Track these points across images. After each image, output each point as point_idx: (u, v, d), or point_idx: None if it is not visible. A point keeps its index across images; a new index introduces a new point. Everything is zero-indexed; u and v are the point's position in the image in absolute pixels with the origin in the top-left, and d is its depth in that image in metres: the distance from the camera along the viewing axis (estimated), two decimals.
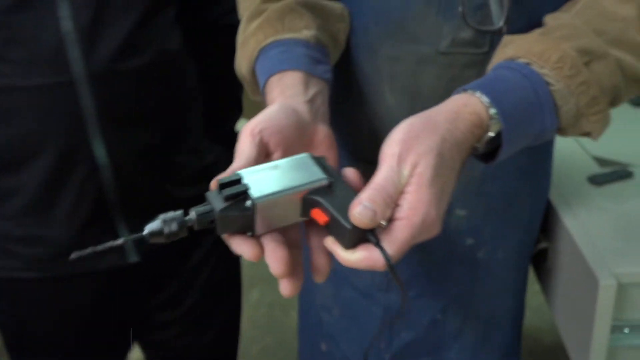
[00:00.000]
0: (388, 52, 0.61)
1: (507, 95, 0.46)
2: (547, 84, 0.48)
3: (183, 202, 0.82)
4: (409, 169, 0.41)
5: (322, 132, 0.48)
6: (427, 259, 0.70)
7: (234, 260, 1.05)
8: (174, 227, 0.39)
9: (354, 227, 0.39)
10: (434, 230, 0.42)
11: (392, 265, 0.40)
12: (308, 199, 0.42)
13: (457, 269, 0.71)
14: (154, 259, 0.86)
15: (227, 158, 0.92)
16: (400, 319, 0.47)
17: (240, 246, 0.40)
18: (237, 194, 0.40)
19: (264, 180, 0.41)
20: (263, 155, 0.44)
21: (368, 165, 0.64)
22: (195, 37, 0.88)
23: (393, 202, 0.40)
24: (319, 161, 0.44)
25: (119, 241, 0.40)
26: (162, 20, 0.78)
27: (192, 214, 0.40)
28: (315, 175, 0.42)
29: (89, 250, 0.40)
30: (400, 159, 0.41)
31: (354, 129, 0.68)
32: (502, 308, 0.75)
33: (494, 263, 0.71)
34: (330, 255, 0.42)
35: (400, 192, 0.41)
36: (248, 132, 0.44)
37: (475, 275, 0.72)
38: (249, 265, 2.39)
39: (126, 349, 1.00)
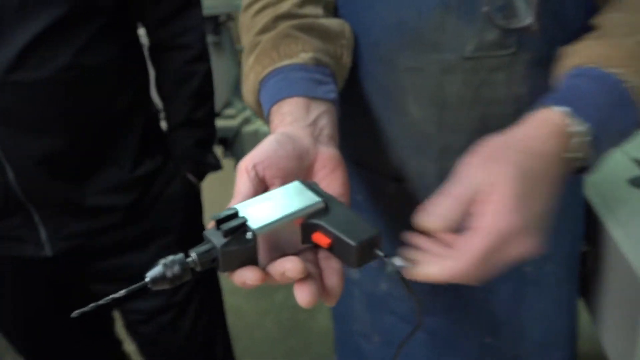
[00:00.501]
0: (408, 63, 0.57)
1: (586, 101, 0.45)
2: (622, 82, 0.46)
3: (103, 210, 0.86)
4: (485, 176, 0.40)
5: (326, 155, 0.46)
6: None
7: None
8: (176, 270, 0.38)
9: (360, 244, 0.39)
10: (525, 243, 0.39)
11: (407, 281, 0.40)
12: (307, 225, 0.41)
13: (503, 287, 0.65)
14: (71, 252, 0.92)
15: (164, 169, 0.97)
16: (416, 329, 0.44)
17: (243, 273, 0.39)
18: (236, 227, 0.39)
19: (260, 211, 0.40)
20: (261, 190, 0.43)
21: (394, 182, 0.62)
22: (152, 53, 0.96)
23: (462, 208, 0.39)
24: (311, 186, 0.43)
25: (122, 292, 0.39)
26: (72, 34, 0.80)
27: (193, 254, 0.39)
28: (310, 199, 0.42)
29: (122, 292, 0.39)
30: (476, 167, 0.40)
31: (376, 145, 0.64)
32: (558, 326, 0.68)
33: (544, 278, 0.65)
34: (342, 277, 0.41)
35: (474, 201, 0.39)
36: (242, 169, 0.43)
37: (523, 291, 0.65)
38: None
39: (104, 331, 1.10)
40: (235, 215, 0.39)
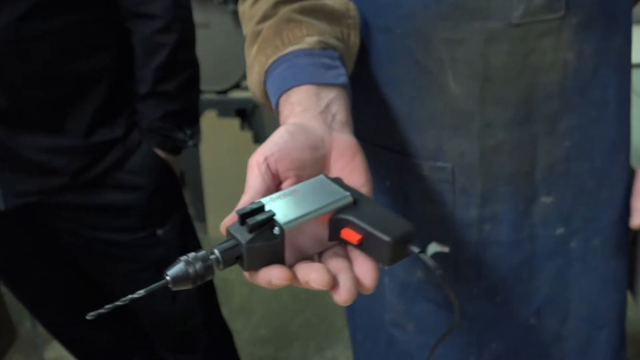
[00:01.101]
0: (446, 35, 0.54)
1: None
2: None
3: (51, 171, 0.96)
4: None
5: (342, 142, 0.44)
6: (512, 259, 0.63)
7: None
8: (199, 267, 0.36)
9: (394, 240, 0.37)
10: None
11: (444, 276, 0.38)
12: (336, 220, 0.39)
13: (548, 265, 0.63)
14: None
15: (125, 140, 0.99)
16: (455, 327, 0.43)
17: (269, 272, 0.36)
18: (263, 221, 0.36)
19: (286, 205, 0.38)
20: (274, 184, 0.41)
21: (430, 163, 0.60)
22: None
23: None
24: (336, 181, 0.41)
25: (141, 292, 0.37)
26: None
27: (215, 251, 0.36)
28: (338, 194, 0.39)
29: (142, 292, 0.37)
30: None
31: (409, 126, 0.61)
32: (606, 304, 0.66)
33: (591, 253, 0.63)
34: (377, 265, 0.39)
35: None
36: (253, 164, 0.41)
37: (570, 269, 0.64)
38: None
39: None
40: (261, 209, 0.37)
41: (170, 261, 1.08)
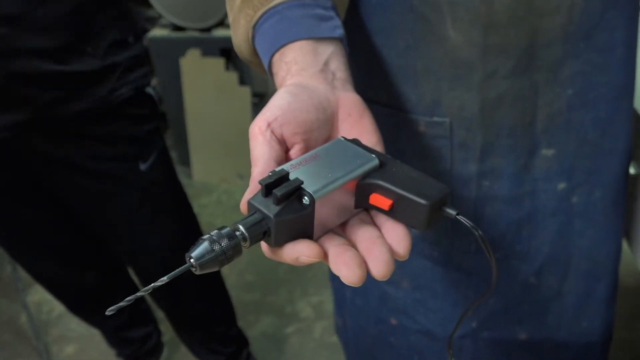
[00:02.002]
0: None
1: None
2: None
3: (40, 106, 0.92)
4: None
5: (348, 100, 0.41)
6: (512, 215, 0.60)
7: None
8: (225, 244, 0.32)
9: (432, 203, 0.34)
10: None
11: (484, 237, 0.36)
12: (363, 185, 0.36)
13: (549, 222, 0.61)
14: None
15: (95, 68, 0.95)
16: (488, 294, 0.41)
17: (296, 248, 0.33)
18: (292, 191, 0.33)
19: (309, 173, 0.35)
20: (282, 152, 0.38)
21: (427, 118, 0.56)
22: None
23: None
24: (356, 143, 0.38)
25: (164, 279, 0.33)
26: None
27: (241, 228, 0.33)
28: (363, 157, 0.37)
29: (165, 278, 0.33)
30: None
31: (405, 80, 0.56)
32: (604, 256, 0.64)
33: (592, 206, 0.61)
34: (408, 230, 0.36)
35: None
36: (256, 132, 0.37)
37: (571, 226, 0.61)
38: None
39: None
40: (285, 177, 0.34)
41: (153, 199, 1.03)
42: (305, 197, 0.34)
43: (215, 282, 1.33)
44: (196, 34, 2.08)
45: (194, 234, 1.23)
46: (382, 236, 0.35)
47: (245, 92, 2.08)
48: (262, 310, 1.72)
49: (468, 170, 0.58)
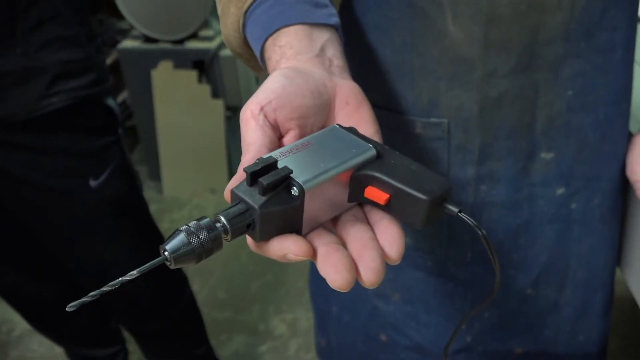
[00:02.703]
0: None
1: None
2: None
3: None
4: None
5: (345, 88, 0.39)
6: (510, 222, 0.58)
7: None
8: (204, 237, 0.29)
9: (433, 199, 0.32)
10: None
11: (487, 237, 0.33)
12: (358, 177, 0.33)
13: (547, 229, 0.59)
14: None
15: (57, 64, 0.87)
16: (488, 300, 0.39)
17: (284, 244, 0.31)
18: (280, 180, 0.30)
19: (300, 161, 0.32)
20: (275, 137, 0.35)
21: (424, 119, 0.54)
22: None
23: None
24: (352, 131, 0.36)
25: (134, 273, 0.31)
26: None
27: (221, 219, 0.30)
28: (359, 146, 0.34)
29: (135, 272, 0.31)
30: None
31: (401, 79, 0.54)
32: (601, 266, 0.63)
33: (590, 213, 0.59)
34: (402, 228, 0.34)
35: None
36: (248, 116, 0.35)
37: (569, 233, 0.59)
38: None
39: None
40: (273, 165, 0.31)
41: (106, 218, 0.96)
42: (294, 188, 0.31)
43: (182, 298, 1.27)
44: (168, 46, 2.03)
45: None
46: (374, 238, 0.32)
47: (218, 105, 2.04)
48: (235, 328, 1.66)
49: (466, 173, 0.56)
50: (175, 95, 2.05)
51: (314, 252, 0.31)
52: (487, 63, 0.51)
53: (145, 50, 2.05)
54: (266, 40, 0.42)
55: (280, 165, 0.31)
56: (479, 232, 0.32)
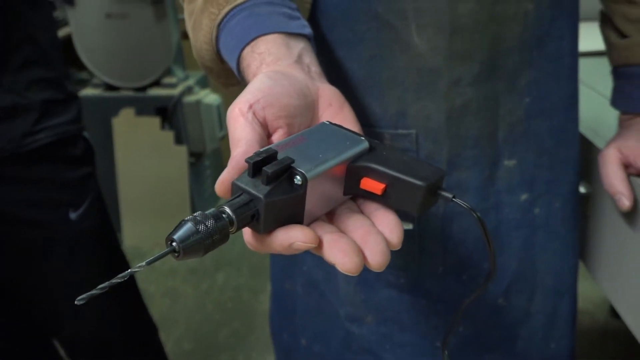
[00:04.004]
0: None
1: None
2: None
3: None
4: None
5: (327, 91, 0.40)
6: (478, 232, 0.57)
7: None
8: (211, 225, 0.29)
9: (429, 185, 0.32)
10: None
11: (482, 219, 0.34)
12: (354, 168, 0.34)
13: (514, 237, 0.60)
14: None
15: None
16: (485, 285, 0.39)
17: (289, 234, 0.31)
18: (282, 170, 0.30)
19: (298, 153, 0.32)
20: (265, 134, 0.36)
21: (392, 131, 0.55)
22: None
23: None
24: (341, 127, 0.37)
25: (143, 264, 0.30)
26: None
27: (226, 209, 0.29)
28: (352, 139, 0.35)
29: (143, 264, 0.30)
30: None
31: (369, 91, 0.55)
32: (567, 269, 0.64)
33: (552, 218, 0.61)
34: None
35: None
36: (236, 114, 0.35)
37: (535, 239, 0.61)
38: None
39: None
40: (274, 156, 0.31)
41: (84, 252, 0.92)
42: (297, 177, 0.31)
43: (152, 347, 1.21)
44: (130, 93, 2.03)
45: (131, 295, 1.13)
46: (374, 225, 0.33)
47: (182, 151, 2.03)
48: None
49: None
50: (137, 142, 2.03)
51: (320, 241, 0.31)
52: (452, 72, 0.53)
53: (106, 98, 2.04)
54: (243, 48, 0.42)
55: (279, 157, 0.31)
56: (474, 215, 0.33)
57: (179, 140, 2.05)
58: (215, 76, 0.51)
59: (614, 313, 1.68)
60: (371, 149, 0.35)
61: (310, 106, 0.38)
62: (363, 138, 0.35)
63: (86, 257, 1.02)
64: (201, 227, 0.28)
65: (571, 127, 0.61)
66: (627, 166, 0.59)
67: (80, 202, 0.99)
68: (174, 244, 0.28)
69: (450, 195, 0.33)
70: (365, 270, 0.66)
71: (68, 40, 2.01)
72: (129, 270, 0.29)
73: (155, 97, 2.02)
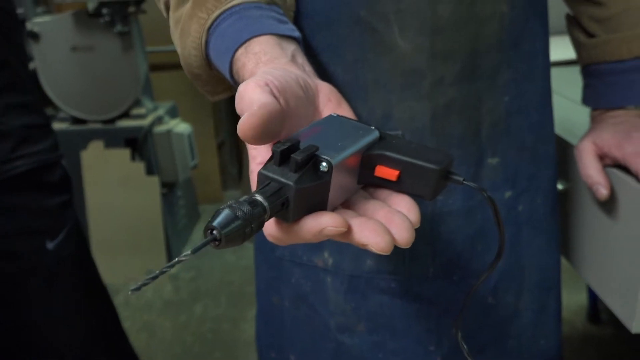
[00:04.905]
0: None
1: None
2: None
3: None
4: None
5: (325, 88, 0.41)
6: (466, 230, 0.60)
7: None
8: (248, 210, 0.28)
9: (442, 168, 0.34)
10: None
11: (492, 198, 0.36)
12: (368, 157, 0.35)
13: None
14: None
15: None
16: (498, 260, 0.41)
17: (318, 220, 0.31)
18: (309, 157, 0.31)
19: (319, 142, 0.32)
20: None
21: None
22: None
23: None
24: (349, 119, 0.38)
25: (189, 252, 0.29)
26: None
27: (258, 198, 0.29)
28: (364, 129, 0.36)
29: (189, 252, 0.29)
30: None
31: (354, 94, 0.56)
32: (551, 264, 0.65)
33: (535, 213, 0.62)
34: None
35: None
36: (252, 86, 0.33)
37: (520, 236, 0.62)
38: (188, 280, 2.26)
39: None
40: (297, 146, 0.31)
41: (63, 284, 0.87)
42: (323, 164, 0.31)
43: None
44: (98, 126, 2.00)
45: (112, 324, 1.09)
46: (392, 207, 0.33)
47: (154, 182, 2.00)
48: None
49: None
50: (107, 175, 1.99)
51: (349, 226, 0.31)
52: (435, 72, 0.54)
53: (74, 131, 2.00)
54: (237, 49, 0.42)
55: (300, 146, 0.31)
56: (484, 194, 0.35)
57: (150, 171, 2.02)
58: (202, 84, 0.51)
59: (592, 319, 1.71)
60: (381, 138, 0.36)
61: (311, 100, 0.39)
62: (373, 128, 0.36)
63: (65, 287, 0.99)
64: (240, 213, 0.28)
65: (548, 124, 0.63)
66: (602, 157, 0.61)
67: (57, 231, 0.96)
68: (214, 232, 0.27)
69: (460, 178, 0.34)
70: (355, 277, 0.65)
71: (33, 75, 1.98)
72: (176, 259, 0.28)
73: (124, 129, 1.99)
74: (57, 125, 2.02)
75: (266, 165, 0.31)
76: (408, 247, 0.31)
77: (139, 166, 1.99)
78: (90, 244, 2.08)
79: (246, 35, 0.42)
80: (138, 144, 1.99)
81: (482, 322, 0.63)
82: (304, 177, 0.30)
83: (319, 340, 0.68)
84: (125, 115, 2.01)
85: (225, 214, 0.28)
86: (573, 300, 1.76)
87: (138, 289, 0.27)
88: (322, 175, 0.31)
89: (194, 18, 0.46)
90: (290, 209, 0.30)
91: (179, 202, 2.23)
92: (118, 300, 2.03)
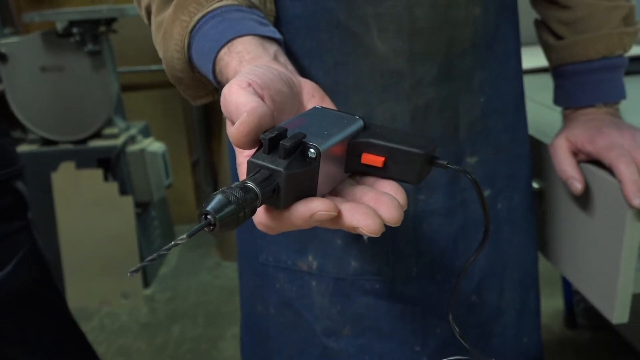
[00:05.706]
0: None
1: (617, 88, 0.63)
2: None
3: None
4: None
5: (308, 84, 0.42)
6: (448, 229, 0.61)
7: None
8: (240, 195, 0.29)
9: (427, 153, 0.35)
10: None
11: (475, 180, 0.37)
12: (354, 145, 0.36)
13: (481, 233, 0.59)
14: None
15: None
16: (484, 244, 0.41)
17: (308, 205, 0.31)
18: (297, 144, 0.31)
19: (305, 130, 0.33)
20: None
21: None
22: None
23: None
24: (333, 110, 0.39)
25: (184, 237, 0.29)
26: None
27: (250, 184, 0.30)
28: (348, 119, 0.36)
29: (184, 237, 0.29)
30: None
31: (336, 96, 0.55)
32: (530, 264, 0.67)
33: (514, 212, 0.64)
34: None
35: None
36: (235, 88, 0.34)
37: (500, 234, 0.63)
38: (165, 302, 2.22)
39: None
40: (284, 134, 0.32)
41: (16, 315, 0.82)
42: (311, 150, 0.32)
43: None
44: (70, 147, 1.97)
45: (81, 354, 1.04)
46: (380, 191, 0.34)
47: (128, 202, 1.97)
48: None
49: (403, 185, 0.59)
50: (79, 197, 1.95)
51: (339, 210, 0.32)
52: (414, 73, 0.55)
53: (44, 153, 1.97)
54: (220, 49, 0.43)
55: (288, 135, 0.32)
56: (468, 177, 0.36)
57: (123, 191, 1.99)
58: (184, 88, 0.51)
59: (568, 324, 1.73)
60: (366, 127, 0.36)
61: (296, 96, 0.39)
62: (357, 117, 0.36)
63: (18, 319, 0.92)
64: (232, 198, 0.28)
65: (522, 124, 0.65)
66: (575, 154, 0.63)
67: (6, 261, 0.88)
68: (208, 216, 0.28)
69: (445, 162, 0.35)
70: (340, 280, 0.65)
71: (0, 97, 1.95)
72: (172, 242, 0.28)
73: (96, 149, 1.97)
74: (26, 147, 1.98)
75: (255, 154, 0.32)
76: (398, 225, 0.32)
77: (112, 186, 1.96)
78: (63, 267, 2.03)
79: (229, 36, 0.43)
80: (111, 163, 1.96)
81: (467, 322, 0.64)
82: (293, 163, 0.31)
83: (305, 346, 0.67)
84: (97, 135, 1.99)
85: (218, 198, 0.28)
86: (549, 305, 1.79)
87: (137, 270, 0.27)
88: (310, 162, 0.32)
89: (177, 21, 0.46)
90: (281, 194, 0.31)
91: (153, 223, 2.20)
92: (93, 324, 1.98)
